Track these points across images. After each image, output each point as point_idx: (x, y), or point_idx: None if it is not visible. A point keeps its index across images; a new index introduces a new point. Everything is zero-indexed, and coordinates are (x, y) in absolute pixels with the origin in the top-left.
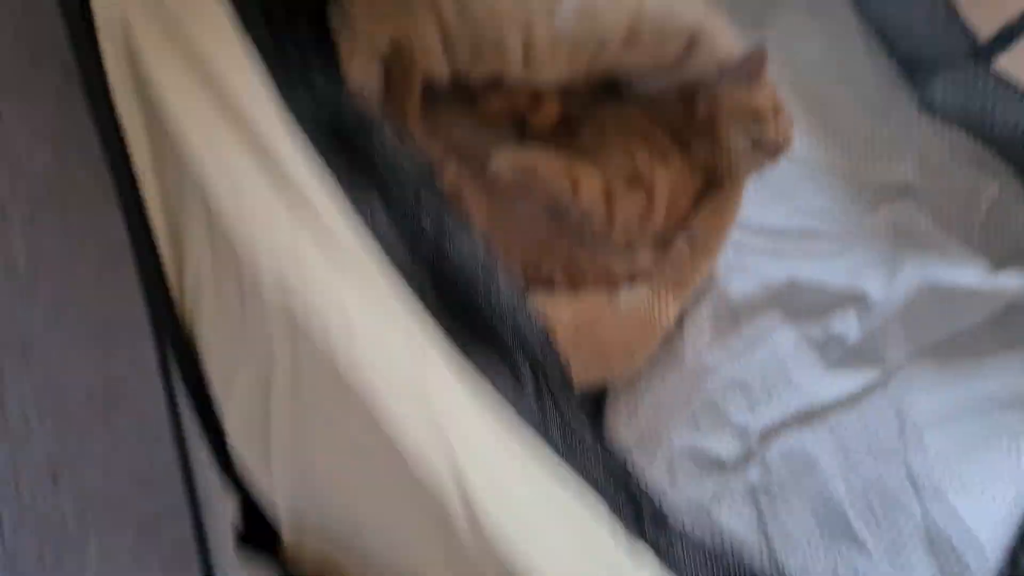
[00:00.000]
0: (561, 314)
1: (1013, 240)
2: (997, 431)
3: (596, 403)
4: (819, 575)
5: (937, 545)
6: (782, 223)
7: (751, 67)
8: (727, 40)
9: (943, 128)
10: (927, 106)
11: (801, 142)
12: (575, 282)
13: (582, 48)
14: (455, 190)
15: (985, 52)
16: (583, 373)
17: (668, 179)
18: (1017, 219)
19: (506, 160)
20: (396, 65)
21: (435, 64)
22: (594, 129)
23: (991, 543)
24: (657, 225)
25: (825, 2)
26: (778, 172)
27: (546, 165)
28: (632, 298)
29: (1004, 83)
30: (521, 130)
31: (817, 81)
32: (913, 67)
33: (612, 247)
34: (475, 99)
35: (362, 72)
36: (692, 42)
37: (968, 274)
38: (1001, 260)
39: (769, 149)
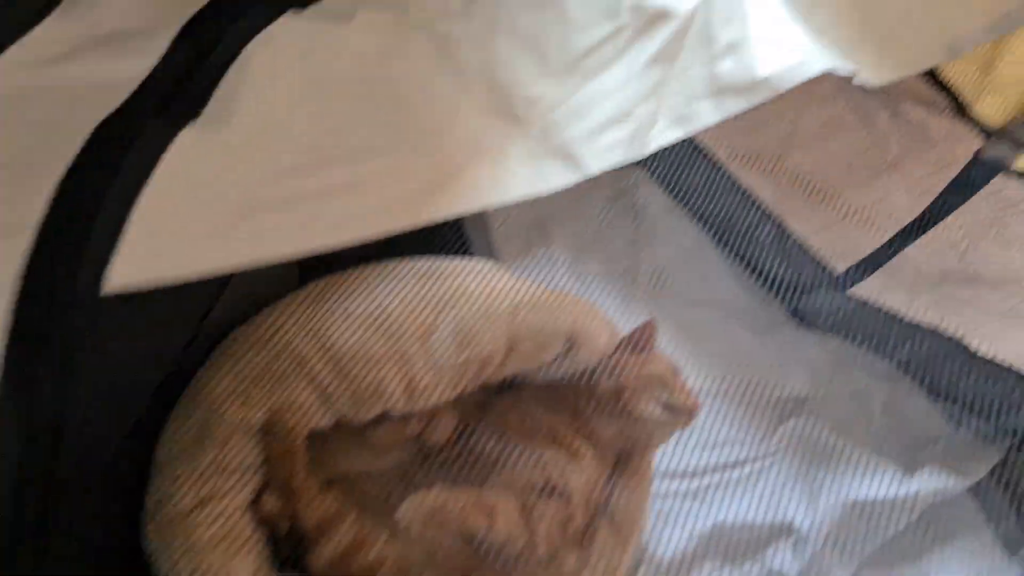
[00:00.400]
0: None
1: (911, 436)
2: None
3: None
4: None
5: None
6: (695, 462)
7: (643, 339)
8: (606, 332)
9: (823, 338)
10: (804, 321)
11: (694, 372)
12: None
13: (465, 371)
14: (356, 546)
15: (840, 283)
16: None
17: (582, 475)
18: (913, 414)
19: (413, 510)
20: (274, 438)
21: (315, 422)
22: (494, 432)
23: None
24: (579, 525)
25: (692, 245)
26: None
27: (456, 505)
28: None
29: (862, 304)
30: (419, 446)
31: (695, 313)
32: (783, 290)
33: (536, 562)
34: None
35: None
36: (571, 343)
37: (884, 483)
38: (906, 459)
39: (681, 411)
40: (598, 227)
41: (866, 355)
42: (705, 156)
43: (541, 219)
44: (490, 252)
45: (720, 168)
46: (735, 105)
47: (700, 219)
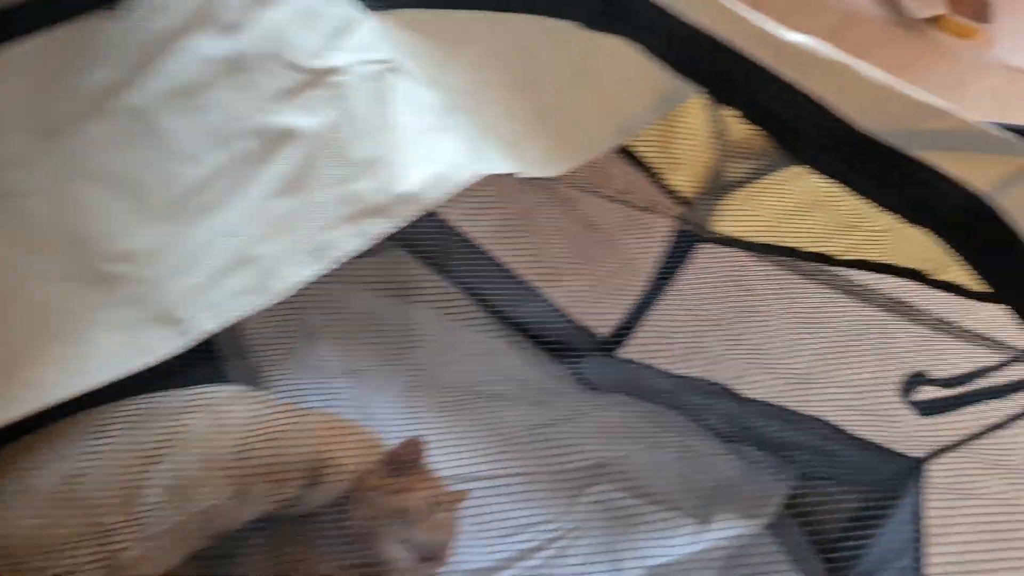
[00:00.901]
0: None
1: (704, 479)
2: None
3: None
4: None
5: None
6: (497, 555)
7: (406, 459)
8: (358, 453)
9: (611, 400)
10: (591, 385)
11: (482, 460)
12: None
13: (187, 531)
14: None
15: (607, 347)
16: None
17: None
18: (701, 458)
19: None
20: None
21: None
22: None
23: None
24: None
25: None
26: (468, 505)
27: None
28: None
29: (631, 363)
30: None
31: (481, 394)
32: (563, 357)
33: None
34: None
35: None
36: (315, 473)
37: (682, 540)
38: (701, 504)
39: (424, 553)
40: (367, 314)
41: (655, 409)
42: (457, 233)
43: (300, 315)
44: (245, 364)
45: (473, 244)
46: (378, 227)
47: (470, 294)
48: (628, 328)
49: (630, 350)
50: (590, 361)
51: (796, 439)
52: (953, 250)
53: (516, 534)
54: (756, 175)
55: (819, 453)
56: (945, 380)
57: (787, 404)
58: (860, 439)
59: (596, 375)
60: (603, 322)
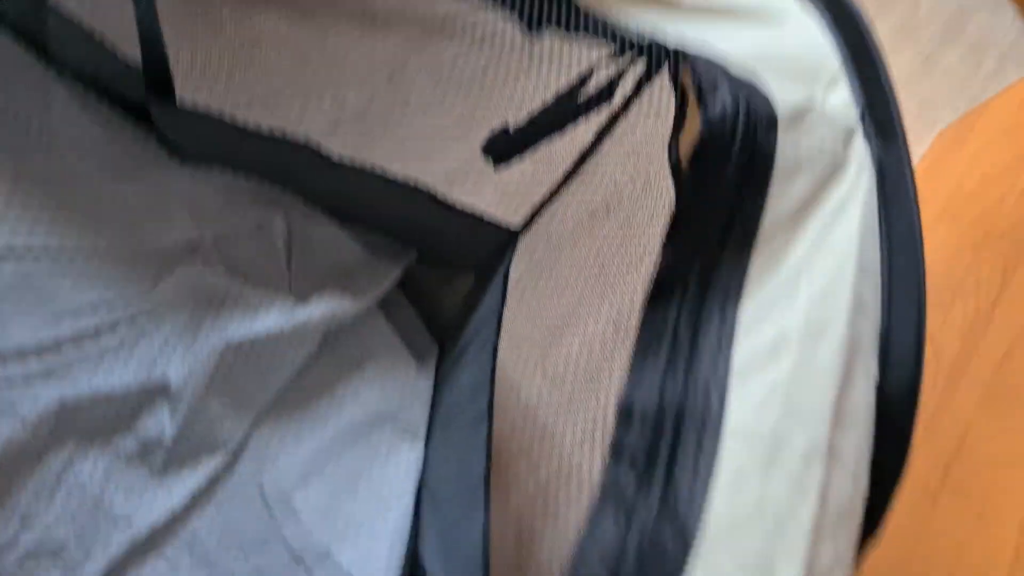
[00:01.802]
0: None
1: (317, 265)
2: (367, 461)
3: None
4: None
5: None
6: (43, 337)
7: None
8: None
9: (210, 174)
10: (175, 150)
11: (39, 229)
12: None
13: None
14: None
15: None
16: None
17: None
18: (315, 242)
19: None
20: None
21: None
22: None
23: None
24: None
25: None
26: (26, 275)
27: None
28: None
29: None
30: None
31: (41, 161)
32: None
33: None
34: None
35: None
36: None
37: (270, 317)
38: (308, 290)
39: None
40: None
41: (259, 187)
42: None
43: None
44: None
45: None
46: None
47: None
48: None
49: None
50: (156, 115)
51: (401, 211)
52: None
53: (74, 315)
54: None
55: (425, 226)
56: (523, 126)
57: (388, 172)
58: (460, 209)
59: (174, 135)
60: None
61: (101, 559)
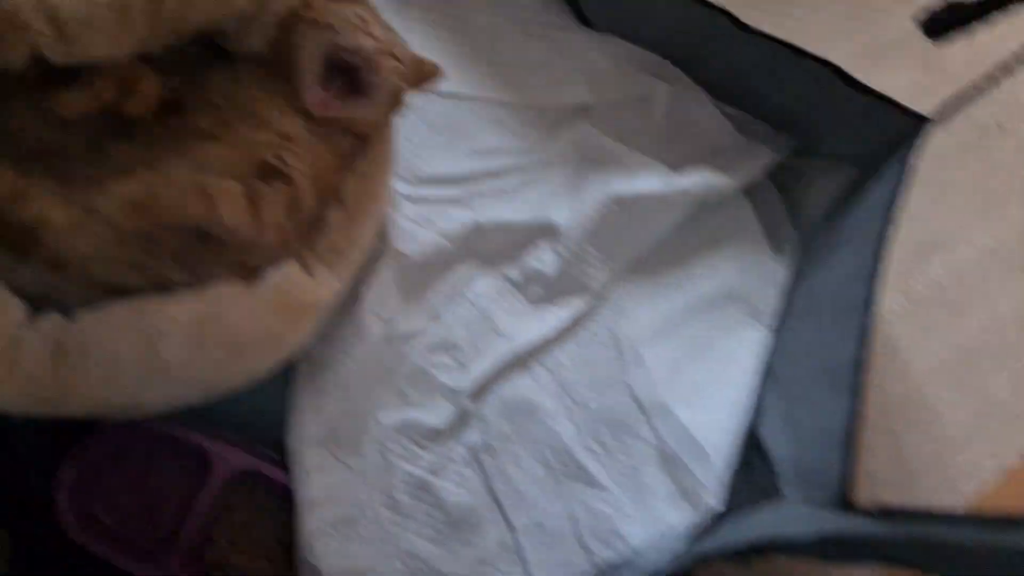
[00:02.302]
0: (178, 312)
1: (691, 140)
2: (713, 333)
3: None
4: (555, 525)
5: (670, 463)
6: (457, 169)
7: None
8: None
9: (605, 41)
10: (583, 20)
11: (465, 78)
12: (200, 276)
13: (130, 7)
14: (12, 197)
15: None
16: (218, 371)
17: (307, 161)
18: (692, 118)
19: (115, 198)
20: None
21: None
22: (203, 106)
23: (717, 451)
24: (307, 213)
25: None
26: (446, 115)
27: (170, 193)
28: (274, 280)
29: None
30: (112, 119)
31: (471, 15)
32: None
33: (265, 249)
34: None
35: None
36: None
37: (650, 180)
38: (683, 163)
39: (410, 79)
40: None
41: (649, 58)
42: None
43: None
44: None
45: None
46: None
47: None
48: None
49: None
50: None
51: (798, 90)
52: None
53: (482, 156)
54: None
55: (820, 109)
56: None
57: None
58: (871, 90)
59: (594, 6)
60: None
61: (486, 362)
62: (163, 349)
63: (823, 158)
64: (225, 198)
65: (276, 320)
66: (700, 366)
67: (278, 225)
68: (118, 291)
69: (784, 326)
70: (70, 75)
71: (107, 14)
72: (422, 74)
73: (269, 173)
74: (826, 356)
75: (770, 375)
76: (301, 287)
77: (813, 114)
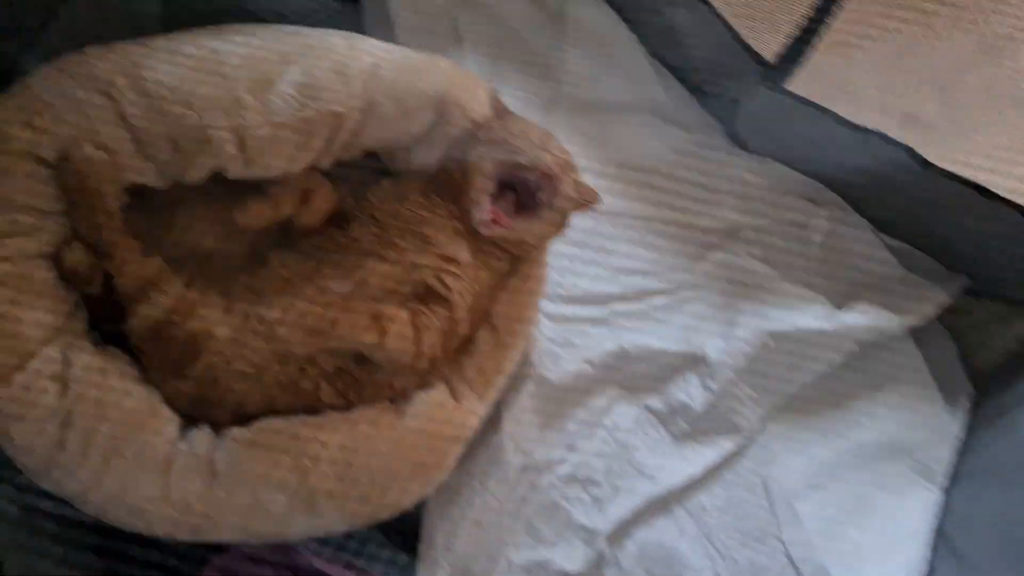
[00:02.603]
0: (330, 439)
1: (852, 272)
2: (876, 488)
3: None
4: None
5: None
6: (602, 287)
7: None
8: (483, 101)
9: (759, 162)
10: (737, 141)
11: (612, 193)
12: (348, 398)
13: (312, 130)
14: (180, 310)
15: (776, 74)
16: (363, 503)
17: (467, 284)
18: (852, 248)
19: (292, 318)
20: (70, 176)
21: (133, 171)
22: (369, 225)
23: None
24: (461, 336)
25: (615, 43)
26: (591, 231)
27: (346, 320)
28: (422, 405)
29: (801, 100)
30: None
31: (619, 127)
32: (714, 102)
33: (413, 373)
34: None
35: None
36: (441, 110)
37: (810, 316)
38: (842, 296)
39: (574, 200)
40: (515, 25)
41: (806, 183)
42: None
43: (451, 16)
44: None
45: None
46: None
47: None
48: (797, 54)
49: (799, 85)
50: (749, 99)
51: (979, 228)
52: None
53: (629, 275)
54: None
55: (1003, 249)
56: None
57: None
58: None
59: (748, 125)
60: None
61: (624, 501)
62: (313, 477)
63: (1001, 301)
64: (395, 326)
65: (424, 452)
66: (862, 527)
67: (432, 348)
68: (264, 411)
69: (960, 488)
70: (243, 187)
71: (291, 136)
72: (584, 197)
73: (429, 295)
74: (1017, 528)
75: (943, 543)
76: (449, 417)
77: (994, 253)
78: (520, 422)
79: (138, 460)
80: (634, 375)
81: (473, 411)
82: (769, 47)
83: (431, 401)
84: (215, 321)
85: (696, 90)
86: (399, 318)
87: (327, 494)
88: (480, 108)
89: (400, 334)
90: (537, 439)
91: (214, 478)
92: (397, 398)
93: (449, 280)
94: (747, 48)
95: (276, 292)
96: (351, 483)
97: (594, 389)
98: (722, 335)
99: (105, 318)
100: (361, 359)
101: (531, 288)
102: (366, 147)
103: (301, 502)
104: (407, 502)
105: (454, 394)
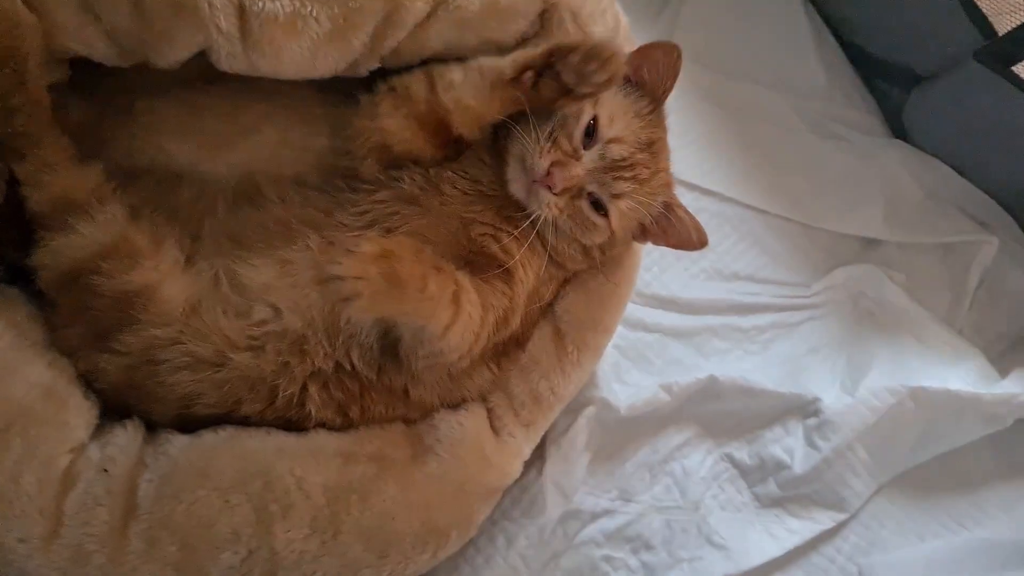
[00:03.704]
0: (310, 470)
1: (1017, 322)
2: None
3: None
4: None
5: None
6: (695, 292)
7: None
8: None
9: (920, 161)
10: (901, 132)
11: (722, 173)
12: (347, 414)
13: (355, 22)
14: (122, 248)
15: (1005, 49)
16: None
17: (528, 256)
18: (1016, 289)
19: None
20: None
21: (67, 33)
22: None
23: None
24: (511, 330)
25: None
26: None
27: (416, 283)
28: (451, 442)
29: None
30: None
31: (759, 98)
32: (887, 78)
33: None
34: None
35: None
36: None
37: (963, 373)
38: (998, 352)
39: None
40: None
41: (977, 196)
42: None
43: None
44: None
45: None
46: None
47: None
48: None
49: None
50: (941, 78)
51: None
52: None
53: (735, 281)
54: None
55: None
56: None
57: None
58: None
59: (927, 114)
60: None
61: (687, 573)
62: (279, 530)
63: None
64: (470, 307)
65: (447, 509)
66: None
67: (480, 339)
68: (222, 415)
69: None
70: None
71: (321, 17)
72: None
73: (487, 262)
74: None
75: None
76: (486, 461)
77: None
78: (567, 459)
79: (16, 471)
80: (721, 414)
81: (518, 452)
82: (1002, 22)
83: (464, 436)
84: (165, 276)
85: (864, 62)
86: (473, 298)
87: (295, 561)
88: (602, 28)
89: (470, 318)
90: (585, 481)
91: (131, 516)
92: (415, 419)
93: (511, 245)
94: (976, 14)
95: (269, 243)
96: (333, 545)
97: (667, 424)
98: (843, 380)
99: (5, 242)
100: (387, 350)
101: (613, 290)
102: (426, 46)
103: (255, 568)
104: (410, 574)
105: (494, 423)
